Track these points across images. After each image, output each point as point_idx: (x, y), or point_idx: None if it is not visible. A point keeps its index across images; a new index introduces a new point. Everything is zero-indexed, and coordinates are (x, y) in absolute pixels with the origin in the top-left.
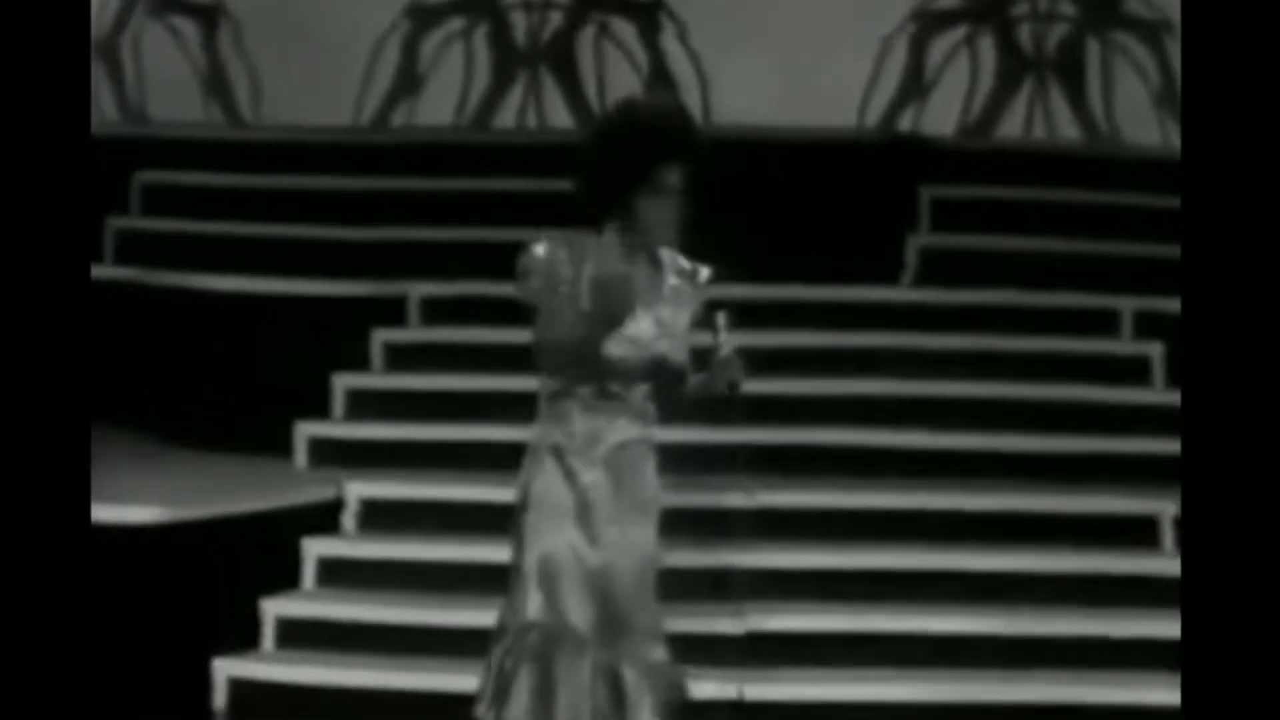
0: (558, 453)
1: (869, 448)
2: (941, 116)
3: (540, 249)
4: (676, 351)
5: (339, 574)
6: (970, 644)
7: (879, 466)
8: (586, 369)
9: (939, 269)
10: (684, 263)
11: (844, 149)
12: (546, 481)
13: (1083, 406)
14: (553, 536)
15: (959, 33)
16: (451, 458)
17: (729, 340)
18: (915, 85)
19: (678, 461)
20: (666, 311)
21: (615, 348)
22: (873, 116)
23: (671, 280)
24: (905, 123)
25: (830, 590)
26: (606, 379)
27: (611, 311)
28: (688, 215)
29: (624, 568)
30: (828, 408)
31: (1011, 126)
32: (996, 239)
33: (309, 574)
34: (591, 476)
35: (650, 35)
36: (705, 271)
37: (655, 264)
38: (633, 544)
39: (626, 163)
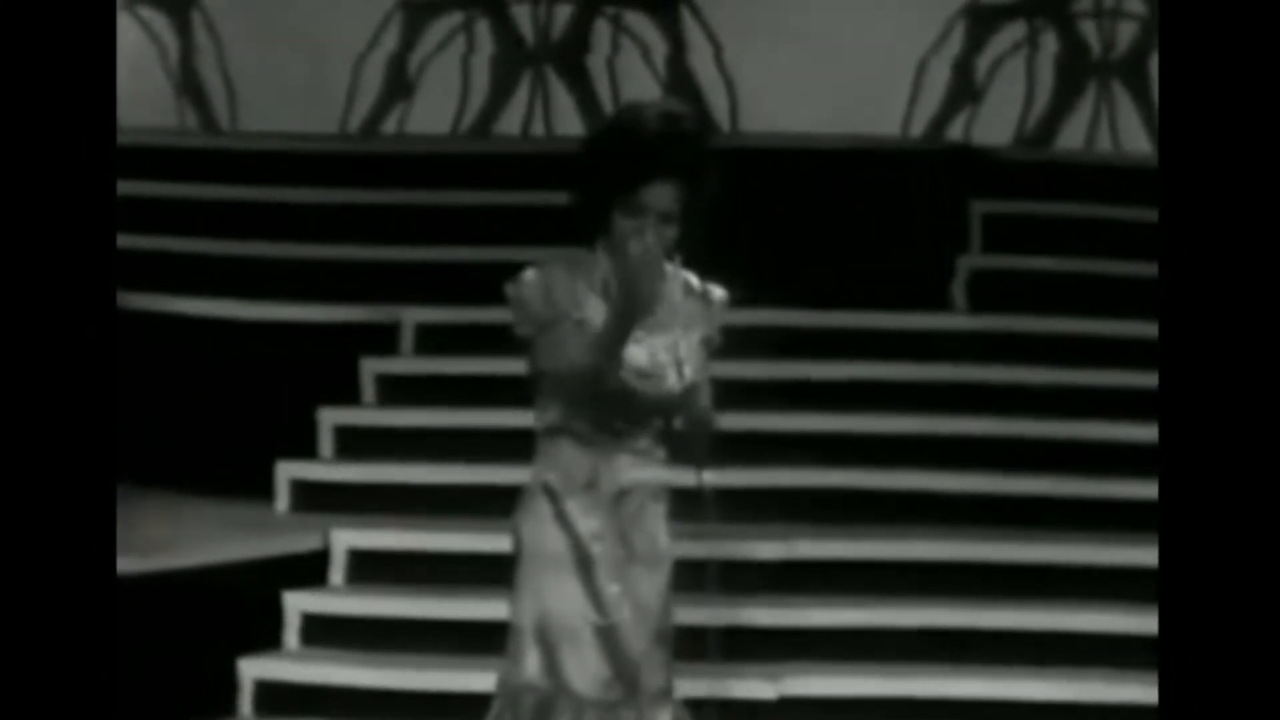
0: (550, 495)
1: (914, 491)
2: (995, 125)
3: (532, 274)
4: (685, 377)
5: (325, 632)
6: (1027, 712)
7: (925, 512)
8: (589, 402)
9: (992, 293)
10: (694, 283)
11: (887, 160)
12: (538, 527)
13: (1154, 447)
14: (551, 590)
15: (1016, 32)
16: (450, 503)
17: (696, 369)
18: (966, 89)
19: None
20: (673, 338)
21: (621, 380)
22: (919, 124)
23: (681, 303)
24: (955, 131)
25: (869, 650)
26: (608, 415)
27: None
28: (686, 235)
29: (630, 627)
30: (866, 447)
31: (1073, 136)
32: (1055, 261)
33: (292, 632)
34: (590, 524)
35: (670, 32)
36: (719, 293)
37: (664, 288)
38: (639, 601)
39: (606, 177)
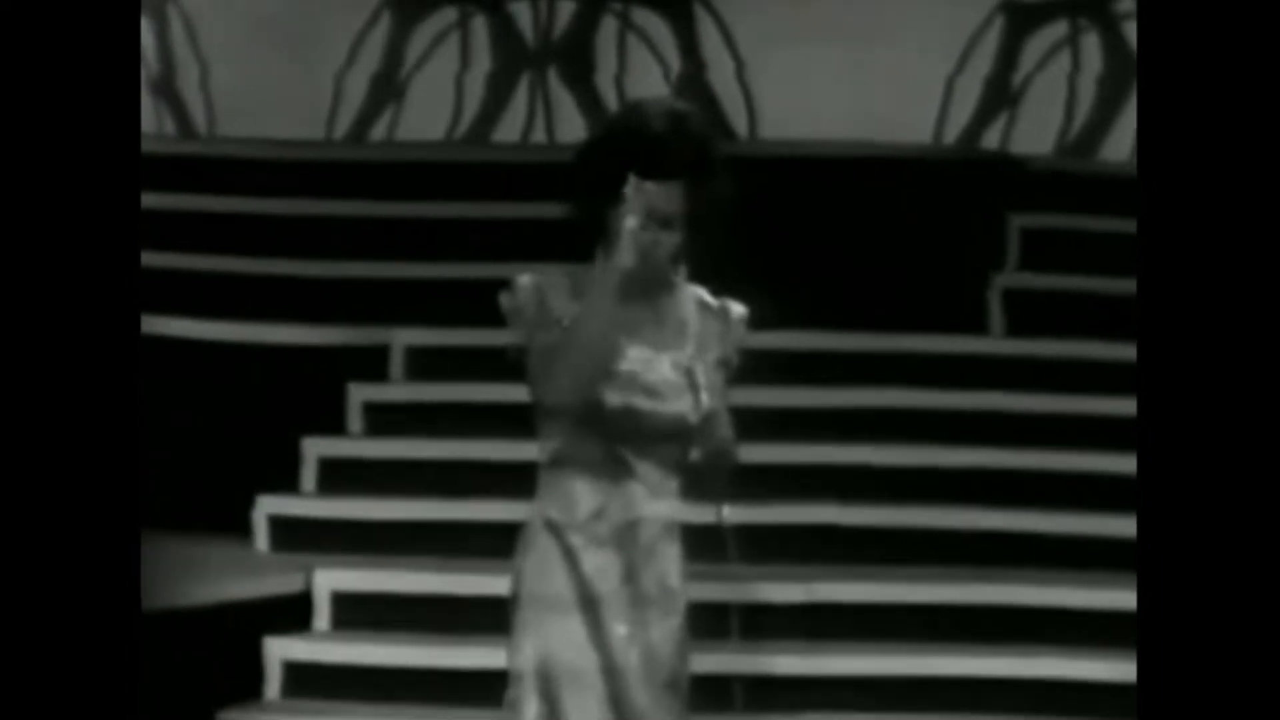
0: (554, 530)
1: (946, 530)
2: (1035, 132)
3: (528, 280)
4: (702, 404)
5: (309, 681)
6: None
7: (960, 552)
8: (592, 427)
9: (1030, 314)
10: (709, 299)
11: (917, 170)
12: (541, 565)
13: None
14: (554, 633)
15: (1056, 32)
16: (444, 542)
17: (715, 396)
18: (1003, 94)
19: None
20: (683, 355)
21: (628, 400)
22: (952, 131)
23: (693, 319)
24: (991, 139)
25: (898, 701)
26: (615, 441)
27: (619, 356)
28: (699, 245)
29: (639, 673)
30: (893, 481)
31: (1118, 146)
32: (1098, 280)
33: (273, 681)
34: (597, 561)
35: (683, 30)
36: (738, 309)
37: (672, 300)
38: (650, 646)
39: (605, 177)
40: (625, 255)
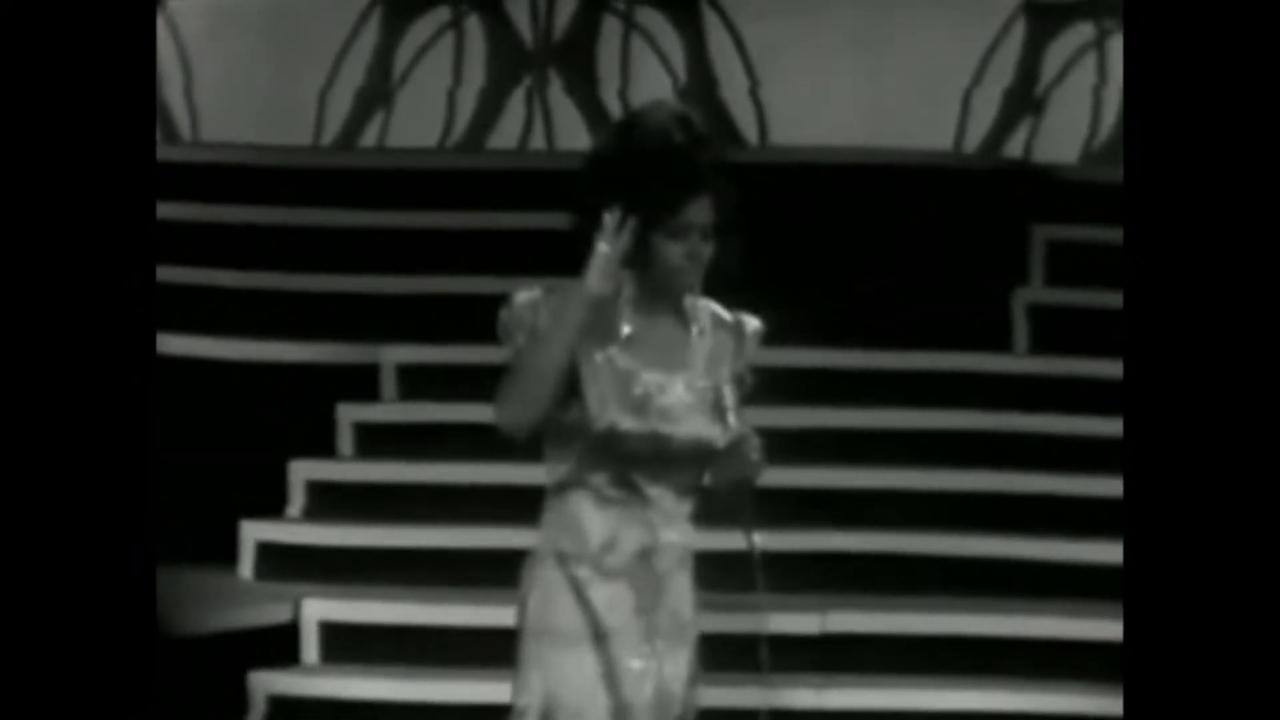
0: (562, 561)
1: (972, 558)
2: (1060, 139)
3: (525, 297)
4: (730, 427)
5: (296, 718)
6: None
7: (986, 582)
8: (605, 452)
9: (1055, 330)
10: (723, 313)
11: (937, 179)
12: (548, 597)
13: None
14: (560, 670)
15: (1082, 34)
16: (439, 570)
17: (739, 418)
18: (1026, 99)
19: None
20: (700, 375)
21: (638, 423)
22: (973, 139)
23: (705, 335)
24: (1014, 147)
25: None
26: (629, 466)
27: (633, 381)
28: (722, 253)
29: (651, 708)
30: (915, 506)
31: None
32: None
33: (258, 718)
34: (606, 594)
35: (689, 30)
36: (753, 323)
37: (684, 318)
38: (662, 679)
39: (647, 202)
40: (594, 281)
